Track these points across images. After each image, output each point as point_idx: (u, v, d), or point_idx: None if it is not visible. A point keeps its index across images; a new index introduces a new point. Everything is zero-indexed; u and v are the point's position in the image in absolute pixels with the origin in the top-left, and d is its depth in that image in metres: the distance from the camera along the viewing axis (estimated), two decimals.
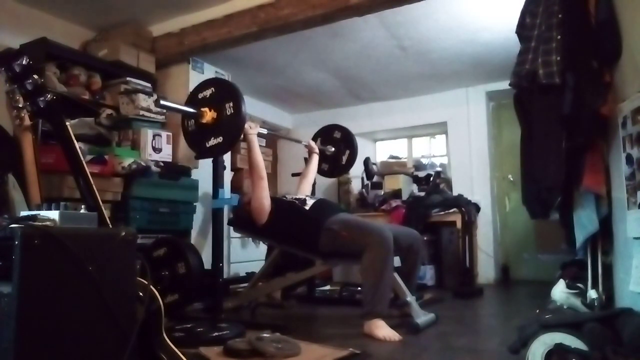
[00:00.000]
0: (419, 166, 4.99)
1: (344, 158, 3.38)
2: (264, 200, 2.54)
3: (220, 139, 2.08)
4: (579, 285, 1.98)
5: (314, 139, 3.41)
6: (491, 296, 3.76)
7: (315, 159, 3.22)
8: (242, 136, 2.33)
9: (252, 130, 2.51)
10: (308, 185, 3.13)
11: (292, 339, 1.88)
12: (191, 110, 2.14)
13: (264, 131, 2.74)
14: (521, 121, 2.07)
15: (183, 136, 2.29)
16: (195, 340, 1.94)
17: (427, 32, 3.51)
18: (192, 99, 2.23)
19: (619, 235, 1.81)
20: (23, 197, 1.97)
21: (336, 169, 3.49)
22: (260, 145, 2.61)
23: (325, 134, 3.48)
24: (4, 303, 0.98)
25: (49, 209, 1.14)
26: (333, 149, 3.40)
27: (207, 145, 2.11)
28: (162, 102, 2.09)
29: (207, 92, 2.18)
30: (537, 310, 2.10)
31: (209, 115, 2.10)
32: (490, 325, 2.69)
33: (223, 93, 2.14)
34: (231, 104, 2.07)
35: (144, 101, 3.21)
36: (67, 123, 1.36)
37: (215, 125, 2.10)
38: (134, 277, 1.21)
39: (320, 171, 3.38)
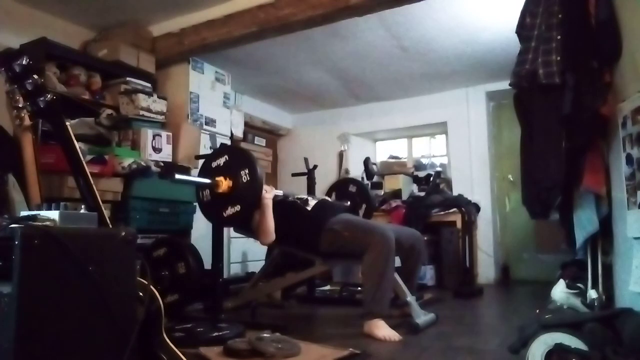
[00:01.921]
0: (419, 166, 4.99)
1: (361, 213, 3.28)
2: (270, 244, 2.58)
3: (238, 208, 2.06)
4: (579, 285, 1.98)
5: (329, 193, 3.36)
6: (491, 296, 3.76)
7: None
8: None
9: (268, 194, 2.45)
10: None
11: (292, 339, 1.88)
12: (207, 181, 2.12)
13: (280, 192, 2.67)
14: (521, 121, 2.07)
15: (198, 206, 2.27)
16: (195, 340, 1.94)
17: (427, 32, 3.51)
18: (206, 168, 2.21)
19: (619, 235, 1.81)
20: (23, 197, 1.97)
21: None
22: (260, 146, 2.61)
23: (340, 188, 3.42)
24: (4, 303, 0.98)
25: (49, 209, 1.14)
26: (349, 203, 3.30)
27: (225, 215, 2.09)
28: (177, 176, 2.08)
29: (221, 161, 2.16)
30: (537, 310, 2.10)
31: (224, 184, 2.08)
32: (490, 325, 2.69)
33: (237, 160, 2.12)
34: (247, 171, 2.05)
35: (144, 101, 3.21)
36: (67, 123, 1.36)
37: (232, 193, 2.08)
38: (134, 277, 1.20)
39: None
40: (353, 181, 3.47)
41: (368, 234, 2.35)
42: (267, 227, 2.45)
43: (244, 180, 2.06)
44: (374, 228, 2.42)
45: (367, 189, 3.42)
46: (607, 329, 1.37)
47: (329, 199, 3.04)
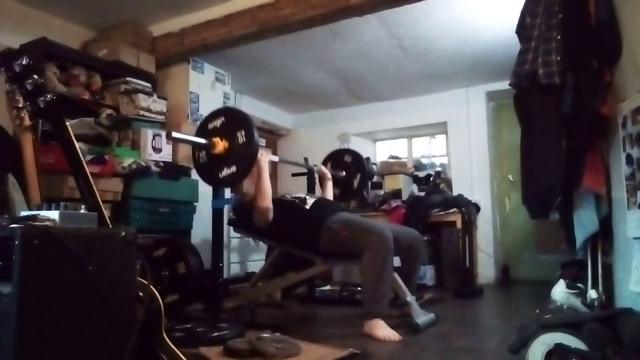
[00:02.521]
0: (419, 166, 4.99)
1: (356, 182, 3.33)
2: (267, 220, 2.52)
3: (233, 169, 2.05)
4: (579, 285, 1.98)
5: (324, 163, 3.38)
6: (491, 296, 3.76)
7: (329, 185, 3.16)
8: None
9: (264, 157, 2.48)
10: None
11: (292, 339, 1.88)
12: (202, 141, 2.11)
13: (276, 158, 2.69)
14: (521, 121, 2.07)
15: (194, 167, 2.27)
16: (195, 340, 1.94)
17: (427, 32, 3.51)
18: (203, 130, 2.20)
19: (619, 235, 1.81)
20: (23, 197, 1.97)
21: (348, 194, 3.43)
22: (260, 146, 2.61)
23: (336, 159, 3.44)
24: (4, 303, 0.98)
25: (49, 209, 1.14)
26: (344, 173, 3.34)
27: (221, 176, 2.08)
28: (173, 134, 2.06)
29: (218, 122, 2.16)
30: (537, 310, 2.10)
31: (220, 145, 2.08)
32: (490, 325, 2.69)
33: (234, 122, 2.11)
34: (243, 132, 2.05)
35: (144, 101, 3.21)
36: (67, 123, 1.36)
37: (228, 154, 2.08)
38: (134, 277, 1.20)
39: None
40: (348, 151, 3.48)
41: (366, 234, 2.35)
42: (264, 189, 2.47)
43: (240, 142, 2.05)
44: (372, 227, 2.42)
45: (363, 158, 3.43)
46: (607, 329, 1.37)
47: (327, 198, 3.04)
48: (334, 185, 3.29)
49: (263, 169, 2.47)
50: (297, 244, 2.62)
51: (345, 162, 3.40)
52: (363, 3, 2.72)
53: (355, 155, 3.44)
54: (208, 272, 2.41)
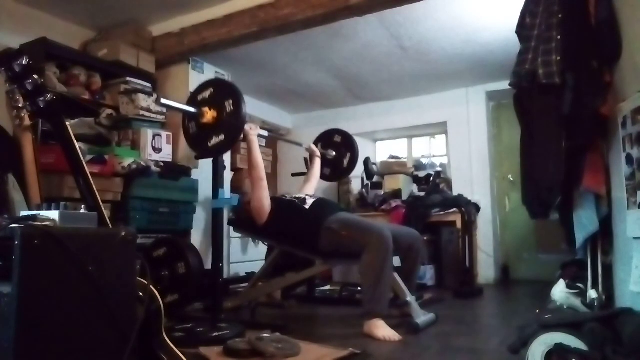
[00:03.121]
0: (419, 166, 4.99)
1: (345, 161, 3.39)
2: (264, 201, 2.54)
3: (222, 137, 2.10)
4: (579, 285, 1.98)
5: (315, 143, 3.41)
6: (491, 296, 3.76)
7: (317, 162, 3.23)
8: (242, 136, 2.34)
9: (253, 131, 2.53)
10: (311, 189, 3.13)
11: (292, 339, 1.88)
12: (191, 109, 2.16)
13: (265, 132, 2.76)
14: (521, 121, 2.07)
15: (184, 138, 2.30)
16: (195, 340, 1.94)
17: (427, 32, 3.51)
18: (192, 101, 2.24)
19: (619, 235, 1.81)
20: (23, 197, 1.97)
21: (338, 173, 3.48)
22: (260, 146, 2.63)
23: (326, 139, 3.48)
24: (4, 303, 0.98)
25: (49, 209, 1.14)
26: (334, 153, 3.40)
27: (210, 145, 2.13)
28: (162, 100, 2.11)
29: (207, 94, 2.20)
30: (537, 310, 2.10)
31: (209, 114, 2.12)
32: (490, 325, 2.69)
33: (222, 92, 2.16)
34: (231, 102, 2.09)
35: (144, 101, 3.21)
36: (67, 123, 1.36)
37: (216, 124, 2.12)
38: (134, 277, 1.21)
39: (322, 176, 3.37)
40: (338, 131, 3.51)
41: (366, 234, 2.35)
42: (256, 160, 2.52)
43: (228, 111, 2.10)
44: (372, 227, 2.42)
45: (352, 138, 3.46)
46: (607, 329, 1.37)
47: (327, 199, 3.05)
48: (325, 165, 3.34)
49: (252, 142, 2.53)
50: (297, 244, 2.63)
51: (335, 142, 3.45)
52: (363, 3, 2.72)
53: (344, 134, 3.48)
54: (208, 272, 2.41)
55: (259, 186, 2.53)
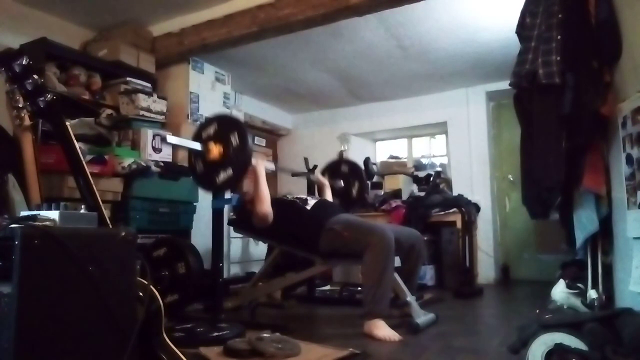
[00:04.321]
0: (419, 166, 4.99)
1: (354, 191, 3.32)
2: (269, 218, 2.52)
3: (229, 172, 2.09)
4: (579, 285, 1.98)
5: (322, 174, 3.37)
6: (491, 296, 3.76)
7: (327, 192, 3.16)
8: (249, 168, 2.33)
9: (260, 164, 2.53)
10: None
11: (292, 339, 1.88)
12: (198, 145, 2.17)
13: (272, 166, 2.71)
14: (521, 121, 2.07)
15: (192, 177, 2.33)
16: (195, 340, 1.94)
17: (427, 32, 3.51)
18: (197, 139, 2.24)
19: (619, 235, 1.81)
20: (23, 197, 1.97)
21: (348, 203, 3.39)
22: (260, 146, 2.63)
23: (333, 169, 3.43)
24: (4, 303, 0.98)
25: (49, 209, 1.14)
26: (342, 183, 3.33)
27: (218, 181, 2.12)
28: (169, 139, 2.14)
29: (211, 130, 2.20)
30: (537, 310, 2.10)
31: (215, 149, 2.12)
32: (490, 325, 2.69)
33: (226, 126, 2.16)
34: (236, 134, 2.10)
35: (144, 101, 3.21)
36: (67, 123, 1.36)
37: (223, 159, 2.12)
38: (134, 277, 1.20)
39: None
40: (345, 161, 3.50)
41: (367, 234, 2.35)
42: (263, 195, 2.50)
43: (234, 144, 2.10)
44: (374, 228, 2.42)
45: (359, 167, 3.44)
46: (607, 329, 1.37)
47: (328, 200, 3.05)
48: (333, 195, 3.27)
49: (260, 175, 2.51)
50: (298, 244, 2.63)
51: (343, 172, 3.40)
52: (363, 3, 2.72)
53: (351, 164, 3.44)
54: (208, 272, 2.41)
55: (262, 217, 2.50)
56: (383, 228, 2.43)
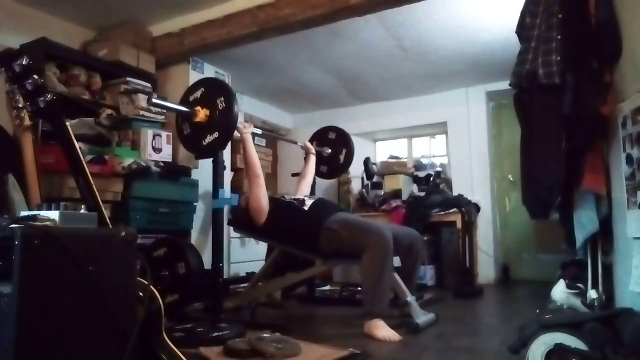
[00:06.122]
0: (419, 166, 4.99)
1: (341, 157, 3.43)
2: (262, 199, 2.54)
3: (216, 135, 2.11)
4: (579, 285, 1.98)
5: (310, 141, 3.43)
6: (491, 296, 3.76)
7: (312, 159, 3.25)
8: (236, 133, 2.37)
9: (246, 129, 2.55)
10: (307, 186, 3.14)
11: (292, 339, 1.88)
12: (184, 108, 2.17)
13: (258, 131, 2.79)
14: (521, 121, 2.07)
15: (179, 139, 2.33)
16: (195, 340, 1.94)
17: (427, 32, 3.51)
18: (184, 102, 2.26)
19: (619, 235, 1.81)
20: (23, 197, 1.96)
21: (335, 170, 3.52)
22: (260, 146, 2.64)
23: (321, 137, 3.51)
24: (4, 303, 0.98)
25: (49, 209, 1.14)
26: (329, 150, 3.44)
27: (204, 143, 2.14)
28: (154, 100, 2.12)
29: (198, 93, 2.23)
30: (537, 310, 2.10)
31: (201, 112, 2.14)
32: (490, 325, 2.69)
33: (213, 90, 2.18)
34: (222, 99, 2.11)
35: (144, 101, 3.21)
36: (67, 123, 1.36)
37: (209, 122, 2.14)
38: (134, 277, 1.20)
39: (319, 173, 3.39)
40: (332, 128, 3.56)
41: (366, 234, 2.35)
42: (251, 157, 2.54)
43: (220, 108, 2.12)
44: (372, 228, 2.42)
45: (347, 134, 3.52)
46: (607, 329, 1.37)
47: (326, 199, 3.06)
48: (322, 163, 3.37)
49: (246, 140, 2.55)
50: (297, 244, 2.63)
51: (330, 139, 3.48)
52: (363, 3, 2.72)
53: (339, 131, 3.51)
54: (208, 272, 2.41)
55: (256, 184, 2.54)
56: (381, 228, 2.43)
